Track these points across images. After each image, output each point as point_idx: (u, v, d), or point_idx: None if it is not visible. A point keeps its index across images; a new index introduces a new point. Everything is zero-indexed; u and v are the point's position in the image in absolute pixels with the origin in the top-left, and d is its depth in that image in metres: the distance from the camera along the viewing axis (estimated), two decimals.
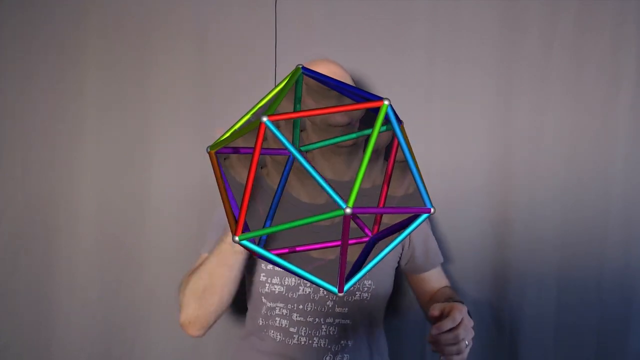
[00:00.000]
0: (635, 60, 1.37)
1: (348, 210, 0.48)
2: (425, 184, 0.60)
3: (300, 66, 0.59)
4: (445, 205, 1.39)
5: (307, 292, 1.11)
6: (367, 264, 0.61)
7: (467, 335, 0.94)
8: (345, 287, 0.58)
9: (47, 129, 1.32)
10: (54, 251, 1.34)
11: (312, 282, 0.59)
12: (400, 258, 1.22)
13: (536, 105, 1.37)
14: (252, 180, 0.57)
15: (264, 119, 0.53)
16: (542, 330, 1.41)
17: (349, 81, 1.14)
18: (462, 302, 1.02)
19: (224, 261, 1.01)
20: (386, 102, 0.54)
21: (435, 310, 0.96)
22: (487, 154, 1.39)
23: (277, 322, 1.13)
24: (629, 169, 1.40)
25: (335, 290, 0.58)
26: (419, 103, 1.37)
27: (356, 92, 0.61)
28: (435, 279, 1.27)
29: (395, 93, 1.36)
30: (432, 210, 0.57)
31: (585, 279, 1.41)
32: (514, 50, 1.36)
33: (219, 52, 1.34)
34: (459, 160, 1.38)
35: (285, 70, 1.33)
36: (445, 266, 1.39)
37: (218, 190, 0.63)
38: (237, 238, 0.55)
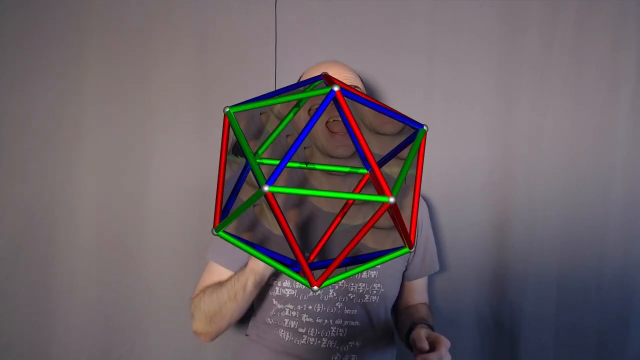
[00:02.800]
0: (635, 60, 1.37)
1: (266, 189, 0.51)
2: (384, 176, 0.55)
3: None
4: (445, 205, 1.39)
5: (317, 294, 1.11)
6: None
7: None
8: (323, 285, 0.58)
9: (47, 129, 1.32)
10: (54, 251, 1.34)
11: (290, 276, 0.59)
12: (407, 262, 1.22)
13: (536, 105, 1.37)
14: (224, 171, 0.59)
15: (226, 109, 0.57)
16: (542, 330, 1.41)
17: (359, 82, 1.14)
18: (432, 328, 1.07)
19: (236, 298, 1.04)
20: (335, 88, 0.54)
21: (423, 343, 0.96)
22: (487, 154, 1.39)
23: (286, 322, 1.13)
24: (629, 169, 1.40)
25: (309, 285, 0.58)
26: (419, 103, 1.37)
27: (392, 116, 0.60)
28: (420, 289, 1.27)
29: (395, 93, 1.36)
30: (391, 200, 0.52)
31: (585, 279, 1.41)
32: (514, 50, 1.36)
33: (219, 52, 1.34)
34: (459, 160, 1.38)
35: (285, 70, 1.33)
36: (444, 268, 1.39)
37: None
38: (214, 230, 0.58)
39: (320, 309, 1.12)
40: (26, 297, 1.33)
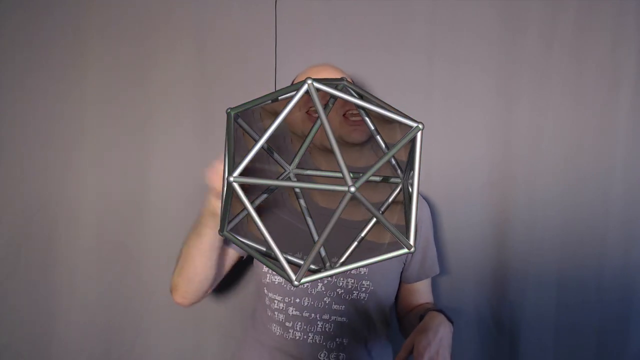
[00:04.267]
0: (635, 60, 1.37)
1: (231, 179, 0.56)
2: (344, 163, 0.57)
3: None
4: (445, 205, 1.39)
5: (305, 286, 1.12)
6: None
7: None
8: (303, 281, 0.60)
9: (47, 129, 1.32)
10: (54, 251, 1.34)
11: (273, 270, 0.62)
12: (404, 263, 1.21)
13: (536, 105, 1.37)
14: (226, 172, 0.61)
15: (228, 109, 0.60)
16: (542, 330, 1.41)
17: None
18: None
19: (197, 231, 1.04)
20: (309, 81, 0.57)
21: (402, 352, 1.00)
22: (487, 154, 1.39)
23: (276, 316, 1.14)
24: (629, 169, 1.40)
25: (292, 278, 0.60)
26: (419, 103, 1.37)
27: (382, 113, 0.61)
28: (422, 292, 1.25)
29: (395, 93, 1.36)
30: (352, 188, 0.53)
31: (585, 279, 1.41)
32: (514, 50, 1.36)
33: (219, 52, 1.34)
34: (459, 160, 1.38)
35: (285, 70, 1.33)
36: (444, 268, 1.39)
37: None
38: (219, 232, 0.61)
39: (308, 302, 1.12)
40: (26, 297, 1.34)
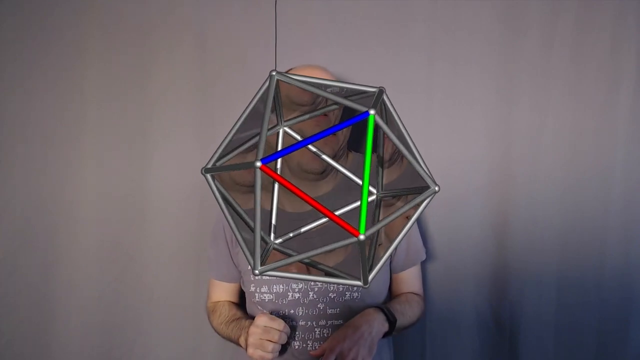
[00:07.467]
0: (635, 60, 1.37)
1: (202, 171, 0.63)
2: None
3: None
4: (445, 205, 1.38)
5: (297, 297, 1.13)
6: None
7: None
8: (261, 270, 0.62)
9: (47, 129, 1.32)
10: (54, 251, 1.34)
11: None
12: (391, 256, 1.21)
13: (536, 105, 1.37)
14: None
15: (281, 127, 0.67)
16: (542, 330, 1.41)
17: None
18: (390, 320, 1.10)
19: (230, 339, 1.17)
20: (273, 73, 0.63)
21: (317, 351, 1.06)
22: (487, 154, 1.39)
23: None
24: (629, 169, 1.40)
25: (253, 265, 0.63)
26: (419, 103, 1.37)
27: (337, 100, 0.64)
28: (408, 280, 1.26)
29: (395, 93, 1.36)
30: (257, 164, 0.58)
31: (585, 279, 1.41)
32: (514, 50, 1.36)
33: (219, 52, 1.34)
34: (458, 160, 1.38)
35: (285, 70, 1.33)
36: (444, 267, 1.39)
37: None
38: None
39: (302, 312, 1.13)
40: (26, 297, 1.34)
